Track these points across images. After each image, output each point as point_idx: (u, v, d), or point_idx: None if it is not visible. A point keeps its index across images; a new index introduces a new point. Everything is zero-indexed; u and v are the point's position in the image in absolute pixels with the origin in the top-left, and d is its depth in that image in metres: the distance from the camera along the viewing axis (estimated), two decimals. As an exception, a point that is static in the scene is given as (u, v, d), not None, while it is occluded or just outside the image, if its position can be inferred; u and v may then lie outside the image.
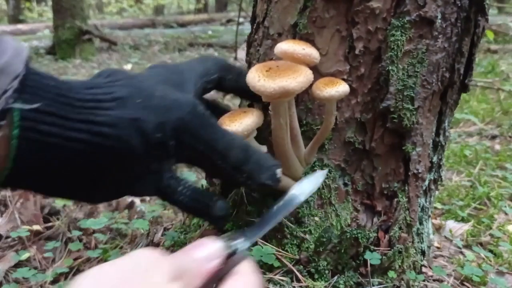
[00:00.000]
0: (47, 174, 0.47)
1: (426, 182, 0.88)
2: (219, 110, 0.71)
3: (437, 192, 1.03)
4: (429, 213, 0.94)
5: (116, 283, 0.33)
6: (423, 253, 0.93)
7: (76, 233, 1.10)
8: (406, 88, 0.77)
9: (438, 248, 1.10)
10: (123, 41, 7.37)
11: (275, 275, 0.76)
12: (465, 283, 0.94)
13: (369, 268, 0.79)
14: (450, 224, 1.24)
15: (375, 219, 0.85)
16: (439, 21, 0.76)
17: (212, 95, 0.76)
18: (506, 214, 1.36)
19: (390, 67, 0.76)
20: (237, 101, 0.94)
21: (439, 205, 1.38)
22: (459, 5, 0.76)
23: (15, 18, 13.62)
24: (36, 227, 1.17)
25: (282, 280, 0.75)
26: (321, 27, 0.77)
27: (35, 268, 1.02)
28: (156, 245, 1.03)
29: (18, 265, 1.03)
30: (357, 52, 0.76)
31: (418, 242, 0.90)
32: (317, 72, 0.76)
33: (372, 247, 0.80)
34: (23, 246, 1.11)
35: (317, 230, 0.79)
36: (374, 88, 0.78)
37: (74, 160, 0.47)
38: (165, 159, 0.54)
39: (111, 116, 0.47)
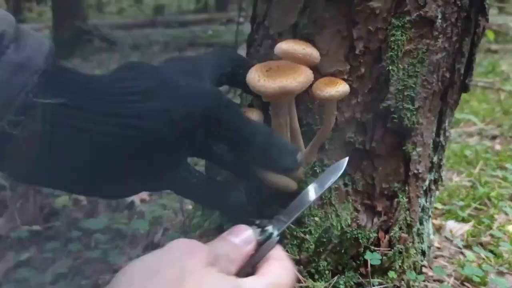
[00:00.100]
0: (76, 170, 0.47)
1: (427, 182, 0.88)
2: None
3: (437, 192, 1.03)
4: (429, 213, 0.94)
5: (155, 270, 0.35)
6: (423, 253, 0.93)
7: (76, 234, 1.10)
8: (407, 88, 0.77)
9: (438, 248, 1.10)
10: (123, 41, 7.36)
11: (275, 275, 0.76)
12: (466, 283, 0.94)
13: (369, 269, 0.79)
14: (451, 224, 1.24)
15: (375, 220, 0.85)
16: (440, 21, 0.76)
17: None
18: (506, 214, 1.36)
19: (390, 67, 0.76)
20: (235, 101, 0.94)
21: (439, 205, 1.38)
22: (460, 5, 0.76)
23: (15, 18, 13.60)
24: (36, 227, 1.17)
25: (282, 281, 0.75)
26: (321, 27, 0.76)
27: (35, 268, 1.02)
28: (156, 245, 1.03)
29: (18, 265, 1.03)
30: (357, 52, 0.76)
31: (418, 242, 0.90)
32: (317, 72, 0.76)
33: (372, 247, 0.80)
34: (23, 246, 1.11)
35: (317, 231, 0.79)
36: (374, 88, 0.78)
37: (104, 155, 0.46)
38: (192, 148, 0.54)
39: (141, 108, 0.47)
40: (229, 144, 0.56)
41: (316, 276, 0.77)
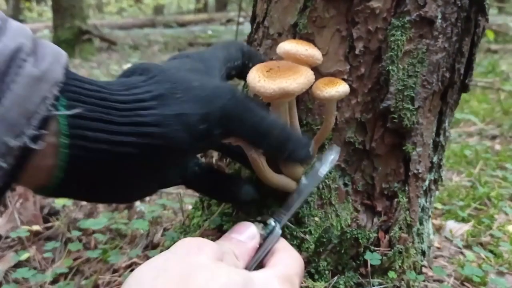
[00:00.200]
0: (93, 180, 0.46)
1: (427, 182, 0.88)
2: None
3: (437, 192, 1.03)
4: (429, 213, 0.94)
5: (163, 269, 0.35)
6: (423, 253, 0.93)
7: (75, 233, 1.10)
8: (406, 88, 0.77)
9: (438, 248, 1.10)
10: (122, 41, 7.37)
11: (275, 275, 0.76)
12: (465, 283, 0.94)
13: (369, 269, 0.79)
14: (451, 224, 1.24)
15: (375, 220, 0.85)
16: (439, 21, 0.76)
17: None
18: (506, 214, 1.36)
19: (390, 67, 0.76)
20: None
21: (439, 205, 1.38)
22: (459, 5, 0.76)
23: (15, 18, 13.53)
24: (35, 227, 1.17)
25: (282, 281, 0.75)
26: (321, 27, 0.76)
27: (35, 268, 1.02)
28: (156, 245, 1.03)
29: (18, 265, 1.03)
30: (357, 52, 0.76)
31: (418, 242, 0.90)
32: (317, 72, 0.76)
33: (372, 247, 0.80)
34: (22, 246, 1.11)
35: (317, 231, 0.79)
36: (374, 88, 0.78)
37: (121, 164, 0.46)
38: (209, 148, 0.53)
39: (156, 115, 0.46)
40: (247, 139, 0.56)
41: (316, 276, 0.77)
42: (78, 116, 0.42)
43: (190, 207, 1.16)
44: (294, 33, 0.78)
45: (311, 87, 0.67)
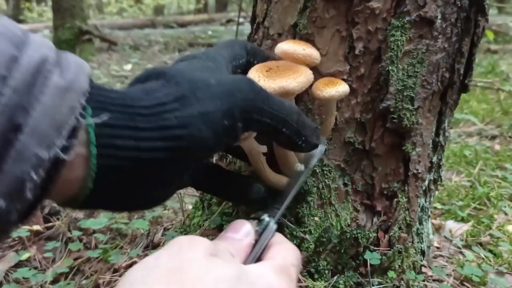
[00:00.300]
0: (120, 189, 0.46)
1: (426, 182, 0.88)
2: None
3: (437, 192, 1.03)
4: (428, 213, 0.94)
5: (154, 265, 0.35)
6: (422, 253, 0.93)
7: (76, 233, 1.10)
8: (406, 88, 0.77)
9: (437, 248, 1.10)
10: (123, 41, 7.37)
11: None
12: (465, 283, 0.94)
13: (369, 268, 0.79)
14: (450, 224, 1.24)
15: (375, 219, 0.85)
16: (439, 21, 0.76)
17: None
18: (506, 214, 1.36)
19: (390, 67, 0.76)
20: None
21: (438, 205, 1.38)
22: (459, 5, 0.77)
23: (15, 18, 13.62)
24: (36, 227, 1.17)
25: (282, 280, 0.75)
26: (321, 27, 0.77)
27: (35, 268, 1.02)
28: (156, 245, 1.03)
29: (18, 265, 1.03)
30: (357, 52, 0.76)
31: (418, 242, 0.90)
32: (317, 72, 0.76)
33: (372, 247, 0.81)
34: (23, 246, 1.11)
35: (317, 230, 0.79)
36: (374, 88, 0.78)
37: (149, 169, 0.46)
38: (232, 143, 0.53)
39: (180, 116, 0.46)
40: (267, 128, 0.55)
41: (316, 276, 0.78)
42: (105, 125, 0.41)
43: (190, 207, 1.16)
44: (294, 33, 0.79)
45: (310, 86, 0.67)
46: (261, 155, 0.69)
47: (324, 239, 0.77)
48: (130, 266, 0.97)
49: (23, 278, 0.95)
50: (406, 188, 0.84)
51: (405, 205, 0.85)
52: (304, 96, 0.79)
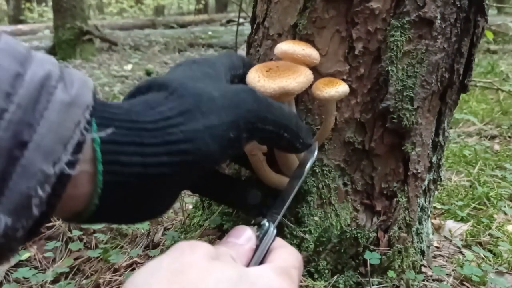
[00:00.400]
0: (126, 203, 0.46)
1: (426, 182, 0.88)
2: None
3: (436, 192, 1.03)
4: (428, 213, 0.94)
5: (156, 269, 0.36)
6: (422, 253, 0.93)
7: (76, 233, 1.11)
8: (406, 88, 0.77)
9: (437, 248, 1.10)
10: (123, 42, 7.37)
11: (275, 274, 0.76)
12: (465, 283, 0.94)
13: (368, 268, 0.79)
14: (450, 224, 1.25)
15: (374, 219, 0.85)
16: (439, 21, 0.76)
17: None
18: (505, 214, 1.36)
19: (389, 68, 0.76)
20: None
21: (438, 205, 1.38)
22: (459, 5, 0.77)
23: (16, 18, 13.62)
24: (36, 227, 1.17)
25: (282, 280, 0.76)
26: (321, 27, 0.77)
27: (36, 267, 1.02)
28: (157, 245, 1.03)
29: (19, 265, 1.04)
30: (356, 52, 0.76)
31: (417, 242, 0.90)
32: (317, 72, 0.76)
33: (371, 247, 0.81)
34: (23, 246, 1.11)
35: (317, 230, 0.80)
36: (373, 89, 0.78)
37: (154, 184, 0.46)
38: (236, 153, 0.54)
39: (186, 131, 0.46)
40: (271, 135, 0.56)
41: (316, 276, 0.78)
42: (110, 141, 0.42)
43: (190, 206, 1.16)
44: (294, 33, 0.79)
45: (310, 86, 0.67)
46: (261, 155, 0.69)
47: (324, 239, 0.77)
48: (130, 266, 0.97)
49: (24, 278, 0.95)
50: (405, 188, 0.85)
51: (405, 205, 0.85)
52: (304, 96, 0.79)
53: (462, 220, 1.29)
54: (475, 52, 0.85)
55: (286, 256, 0.45)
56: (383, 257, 0.80)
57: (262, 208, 0.62)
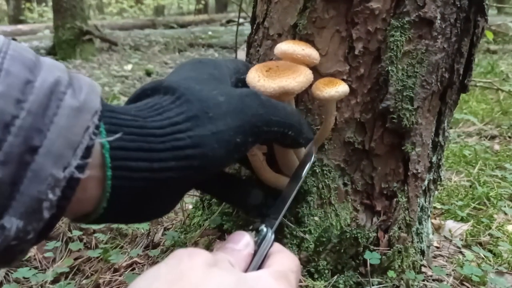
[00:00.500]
0: (132, 206, 0.47)
1: (426, 182, 0.88)
2: None
3: (436, 192, 1.03)
4: (428, 213, 0.94)
5: (155, 276, 0.36)
6: (422, 252, 0.93)
7: (76, 233, 1.11)
8: (406, 88, 0.77)
9: (437, 248, 1.10)
10: (123, 42, 7.38)
11: (275, 274, 0.76)
12: (465, 283, 0.94)
13: (368, 268, 0.79)
14: (450, 224, 1.25)
15: (374, 219, 0.85)
16: (439, 21, 0.76)
17: None
18: (505, 214, 1.36)
19: (389, 68, 0.76)
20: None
21: (438, 205, 1.38)
22: (459, 5, 0.77)
23: (16, 18, 13.62)
24: (36, 227, 1.17)
25: (282, 280, 0.76)
26: (321, 27, 0.77)
27: (36, 267, 1.02)
28: (157, 245, 1.03)
29: (19, 264, 1.03)
30: (356, 52, 0.76)
31: (417, 242, 0.90)
32: (317, 72, 0.76)
33: (371, 247, 0.81)
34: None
35: (317, 230, 0.80)
36: (373, 89, 0.78)
37: (161, 187, 0.47)
38: (242, 156, 0.54)
39: (193, 136, 0.47)
40: (276, 135, 0.57)
41: (316, 276, 0.78)
42: (119, 147, 0.42)
43: (190, 206, 1.16)
44: (294, 33, 0.79)
45: (310, 86, 0.67)
46: (261, 155, 0.69)
47: (324, 239, 0.77)
48: (130, 266, 0.97)
49: (23, 278, 0.95)
50: (405, 188, 0.85)
51: (405, 205, 0.85)
52: (304, 96, 0.79)
53: (462, 220, 1.29)
54: (475, 52, 0.85)
55: (283, 261, 0.45)
56: (383, 257, 0.80)
57: (263, 208, 0.62)
